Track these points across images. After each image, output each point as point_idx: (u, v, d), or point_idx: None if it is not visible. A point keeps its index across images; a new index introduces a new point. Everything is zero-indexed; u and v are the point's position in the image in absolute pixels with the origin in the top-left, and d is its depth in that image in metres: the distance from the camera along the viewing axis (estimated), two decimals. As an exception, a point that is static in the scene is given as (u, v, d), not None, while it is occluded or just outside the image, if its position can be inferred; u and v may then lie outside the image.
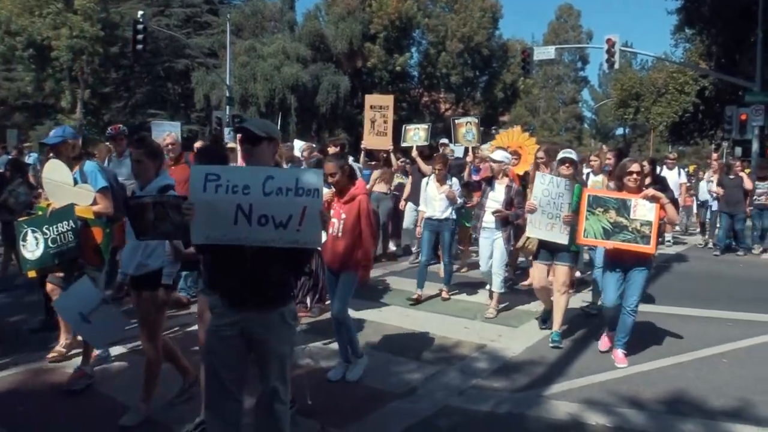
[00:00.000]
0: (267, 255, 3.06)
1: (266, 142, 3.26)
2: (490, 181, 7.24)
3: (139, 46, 22.46)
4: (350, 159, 9.75)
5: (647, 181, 10.20)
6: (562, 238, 5.92)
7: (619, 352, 5.55)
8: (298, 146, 10.18)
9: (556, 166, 6.75)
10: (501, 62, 38.81)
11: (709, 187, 13.27)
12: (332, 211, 5.09)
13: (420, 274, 7.87)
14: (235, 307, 3.15)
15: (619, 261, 5.47)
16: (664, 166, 12.80)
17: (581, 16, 65.33)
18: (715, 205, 13.09)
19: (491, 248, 7.14)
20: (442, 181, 7.81)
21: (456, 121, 10.36)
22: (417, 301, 7.65)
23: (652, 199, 5.33)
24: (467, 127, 9.92)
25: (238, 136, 3.55)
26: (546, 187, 5.98)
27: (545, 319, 6.60)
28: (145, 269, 4.23)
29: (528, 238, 6.52)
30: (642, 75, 39.85)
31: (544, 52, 27.72)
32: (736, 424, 4.35)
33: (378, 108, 9.59)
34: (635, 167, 5.47)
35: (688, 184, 14.12)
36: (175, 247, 4.09)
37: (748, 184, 12.17)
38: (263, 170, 3.08)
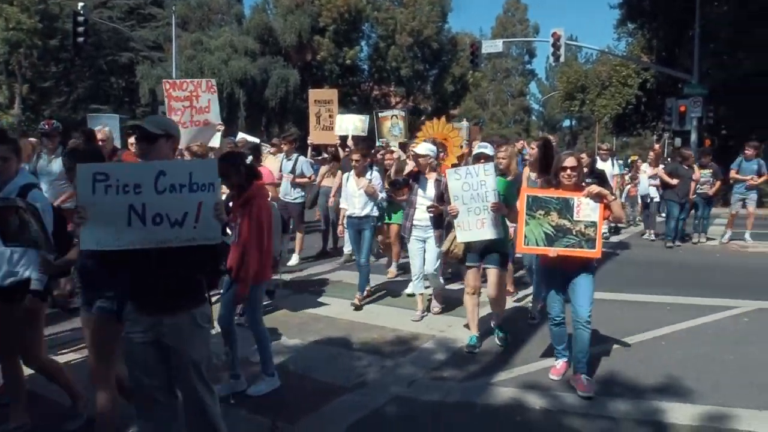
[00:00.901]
0: (172, 255, 2.92)
1: (163, 139, 3.12)
2: (417, 177, 6.70)
3: (80, 39, 21.79)
4: (296, 155, 9.69)
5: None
6: (496, 233, 5.40)
7: (582, 379, 4.71)
8: (239, 139, 10.06)
9: (516, 168, 6.58)
10: (450, 56, 39.10)
11: (651, 181, 13.19)
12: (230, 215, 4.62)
13: (362, 273, 7.39)
14: (145, 312, 3.03)
15: (560, 268, 4.78)
16: (597, 158, 12.36)
17: (528, 10, 66.40)
18: (656, 195, 13.26)
19: (423, 249, 6.68)
20: (361, 174, 7.35)
21: (380, 115, 9.93)
22: (360, 306, 7.20)
23: (596, 197, 4.64)
24: (393, 121, 9.50)
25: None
26: (464, 180, 5.41)
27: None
28: (14, 278, 3.86)
29: (452, 241, 5.88)
30: (587, 68, 40.77)
31: (492, 46, 28.05)
32: (666, 402, 4.54)
33: (323, 102, 9.43)
34: (570, 161, 4.75)
35: (630, 174, 14.12)
36: (43, 257, 3.79)
37: (697, 174, 12.03)
38: (154, 166, 2.93)
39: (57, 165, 7.02)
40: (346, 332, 6.32)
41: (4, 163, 3.85)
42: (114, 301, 3.47)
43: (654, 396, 4.66)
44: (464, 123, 30.32)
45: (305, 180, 9.58)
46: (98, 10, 32.24)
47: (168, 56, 31.34)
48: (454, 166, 7.37)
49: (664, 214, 14.63)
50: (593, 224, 4.66)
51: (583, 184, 4.87)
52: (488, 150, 5.84)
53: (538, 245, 4.75)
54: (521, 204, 4.78)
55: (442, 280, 7.09)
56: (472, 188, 5.39)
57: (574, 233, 4.67)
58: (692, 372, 5.12)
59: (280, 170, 9.43)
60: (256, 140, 10.89)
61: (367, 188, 7.20)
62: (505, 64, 66.49)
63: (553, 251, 4.68)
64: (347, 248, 9.80)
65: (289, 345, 5.91)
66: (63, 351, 5.55)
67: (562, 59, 24.43)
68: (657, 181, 12.85)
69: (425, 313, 6.80)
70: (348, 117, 10.29)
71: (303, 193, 9.69)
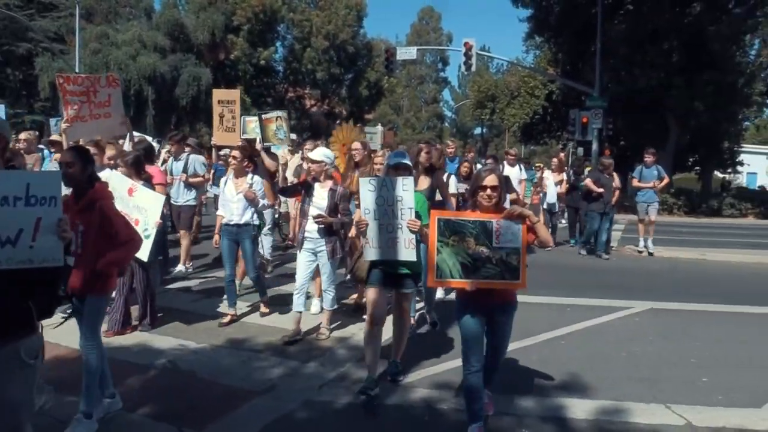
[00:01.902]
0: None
1: None
2: (309, 186, 6.13)
3: (-27, 27, 20.39)
4: (186, 153, 9.29)
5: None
6: (409, 254, 4.64)
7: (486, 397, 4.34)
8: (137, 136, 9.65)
9: (384, 172, 5.86)
10: (366, 60, 39.39)
11: (556, 188, 13.41)
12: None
13: (228, 292, 6.73)
14: None
15: (478, 303, 4.02)
16: (505, 162, 12.64)
17: (442, 18, 67.78)
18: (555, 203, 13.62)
19: (313, 262, 6.11)
20: (240, 176, 6.72)
21: (264, 117, 9.40)
22: (230, 322, 6.58)
23: (518, 218, 3.96)
24: (278, 123, 8.91)
25: None
26: (378, 193, 4.66)
27: None
28: None
29: (357, 260, 5.31)
30: (497, 78, 42.17)
31: (406, 53, 28.49)
32: (566, 398, 4.79)
33: (225, 103, 9.02)
34: (491, 180, 4.03)
35: (535, 181, 14.14)
36: None
37: (617, 182, 12.08)
38: None
39: None
40: (255, 335, 6.25)
41: None
42: None
43: (554, 393, 4.90)
44: (378, 128, 30.58)
45: (199, 179, 9.25)
46: (-7, -4, 30.29)
47: (71, 49, 29.81)
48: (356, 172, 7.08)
49: (564, 221, 15.29)
50: (516, 251, 3.96)
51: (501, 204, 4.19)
52: (406, 159, 5.09)
53: (453, 277, 3.97)
54: (432, 229, 3.99)
55: (333, 300, 6.32)
56: (386, 203, 4.63)
57: (494, 262, 3.94)
58: (589, 369, 5.41)
59: (171, 173, 9.11)
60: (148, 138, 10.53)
61: (247, 193, 6.52)
62: (419, 71, 67.57)
63: (471, 284, 3.93)
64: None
65: (196, 349, 5.78)
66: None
67: (473, 68, 25.14)
68: (562, 188, 13.30)
69: (299, 336, 6.09)
70: (253, 119, 10.01)
71: (195, 195, 9.33)
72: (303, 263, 6.11)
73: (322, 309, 6.54)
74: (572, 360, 5.64)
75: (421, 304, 6.82)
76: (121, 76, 29.99)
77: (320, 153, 6.18)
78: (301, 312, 6.16)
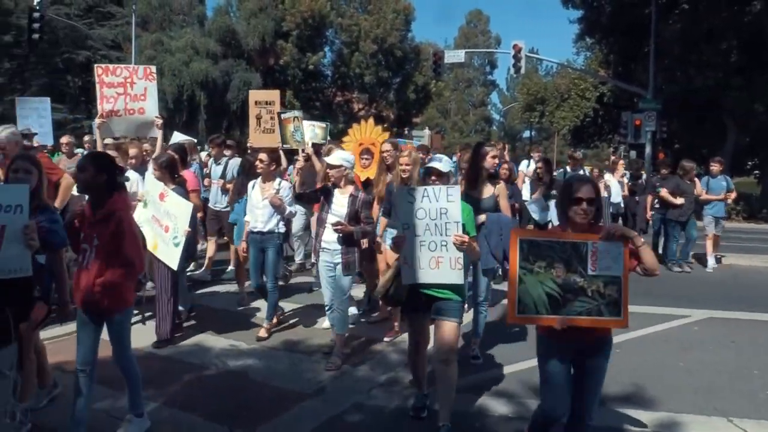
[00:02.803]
0: None
1: None
2: (328, 191, 5.65)
3: (36, 36, 21.23)
4: (226, 158, 9.04)
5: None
6: (455, 277, 4.01)
7: None
8: (177, 139, 9.56)
9: (418, 178, 5.52)
10: (413, 64, 39.32)
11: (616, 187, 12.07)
12: (82, 234, 3.87)
13: (263, 296, 6.43)
14: None
15: (567, 343, 3.34)
16: (567, 167, 11.52)
17: (490, 21, 67.33)
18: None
19: (333, 274, 5.55)
20: (268, 181, 6.34)
21: (282, 117, 8.78)
22: (267, 336, 6.21)
23: (619, 239, 3.26)
24: (295, 124, 8.06)
25: None
26: (419, 205, 4.03)
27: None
28: None
29: (392, 281, 4.40)
30: (547, 80, 41.63)
31: (454, 56, 28.40)
32: (624, 408, 4.65)
33: (264, 104, 8.65)
34: (587, 191, 3.31)
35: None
36: None
37: (699, 189, 10.79)
38: None
39: None
40: (306, 338, 6.28)
41: None
42: None
43: (611, 403, 4.75)
44: (426, 131, 30.42)
45: None
46: (55, 6, 31.38)
47: (127, 56, 30.70)
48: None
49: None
50: (615, 280, 3.25)
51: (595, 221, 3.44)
52: (442, 165, 4.43)
53: (539, 312, 3.29)
54: (512, 253, 3.32)
55: (343, 322, 5.67)
56: (429, 216, 4.02)
57: (589, 294, 3.27)
58: (647, 379, 5.25)
59: (210, 176, 8.97)
60: (193, 140, 10.19)
61: (272, 199, 6.09)
62: (467, 74, 67.27)
63: (560, 321, 3.24)
64: (298, 257, 9.41)
65: (247, 350, 5.84)
66: None
67: (522, 71, 24.85)
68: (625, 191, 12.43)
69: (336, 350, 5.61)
70: (307, 124, 9.54)
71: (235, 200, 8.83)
72: (326, 278, 5.60)
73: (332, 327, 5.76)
74: (629, 369, 5.47)
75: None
76: (175, 81, 30.80)
77: (338, 157, 5.62)
78: (342, 334, 5.65)
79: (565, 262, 3.30)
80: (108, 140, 7.49)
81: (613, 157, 13.98)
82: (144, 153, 7.51)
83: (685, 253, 10.91)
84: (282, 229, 6.33)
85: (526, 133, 61.67)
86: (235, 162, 9.00)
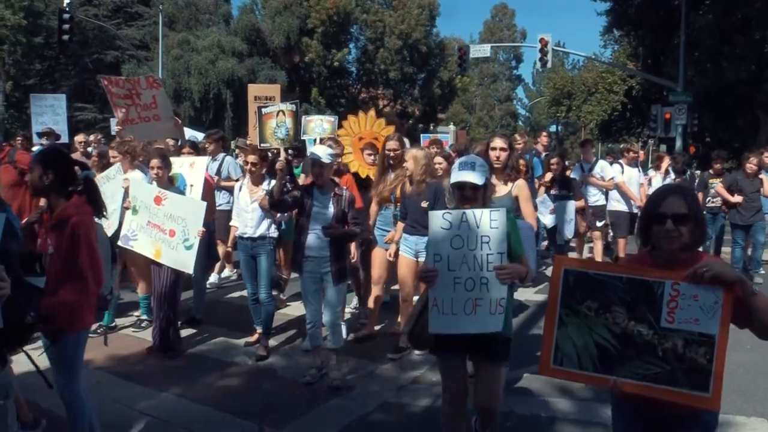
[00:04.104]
0: None
1: None
2: (310, 191, 4.98)
3: (65, 37, 21.55)
4: (223, 154, 8.44)
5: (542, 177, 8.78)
6: (495, 323, 3.12)
7: None
8: (188, 135, 9.13)
9: (449, 194, 4.63)
10: (438, 59, 39.19)
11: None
12: (39, 240, 3.49)
13: (253, 310, 5.90)
14: None
15: (641, 410, 2.52)
16: (622, 161, 9.88)
17: (515, 15, 66.70)
18: None
19: (320, 289, 4.99)
20: (257, 183, 5.83)
21: (264, 112, 8.87)
22: (256, 342, 5.80)
23: (714, 282, 2.28)
24: (278, 119, 7.31)
25: None
26: (454, 231, 3.16)
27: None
28: None
29: (418, 319, 3.46)
30: (573, 74, 41.14)
31: (479, 50, 28.21)
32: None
33: (263, 99, 8.05)
34: (678, 205, 2.41)
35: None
36: None
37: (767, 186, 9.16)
38: None
39: None
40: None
41: None
42: None
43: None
44: (451, 127, 30.23)
45: (232, 183, 7.98)
46: (84, 7, 31.91)
47: (154, 55, 31.13)
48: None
49: None
50: (705, 340, 2.31)
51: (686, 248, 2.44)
52: (476, 175, 3.30)
53: (583, 367, 2.48)
54: (554, 286, 2.57)
55: (340, 336, 5.27)
56: (467, 245, 3.13)
57: (660, 353, 2.36)
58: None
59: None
60: (198, 135, 9.73)
61: (262, 201, 5.55)
62: (492, 68, 66.74)
63: (613, 384, 2.43)
64: None
65: (275, 348, 5.86)
66: None
67: (549, 65, 24.63)
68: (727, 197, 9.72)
69: (324, 371, 5.07)
70: (315, 118, 9.15)
71: (229, 199, 8.05)
72: (310, 291, 5.00)
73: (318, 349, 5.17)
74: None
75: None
76: (201, 80, 31.10)
77: (322, 151, 5.03)
78: (319, 346, 5.13)
79: (629, 305, 2.41)
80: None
81: (659, 155, 11.69)
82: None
83: (756, 262, 9.27)
84: (275, 233, 5.83)
85: (553, 128, 61.09)
86: (230, 160, 8.65)
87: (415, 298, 5.30)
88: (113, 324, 6.28)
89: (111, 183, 6.02)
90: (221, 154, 8.58)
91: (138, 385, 4.91)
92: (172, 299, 5.63)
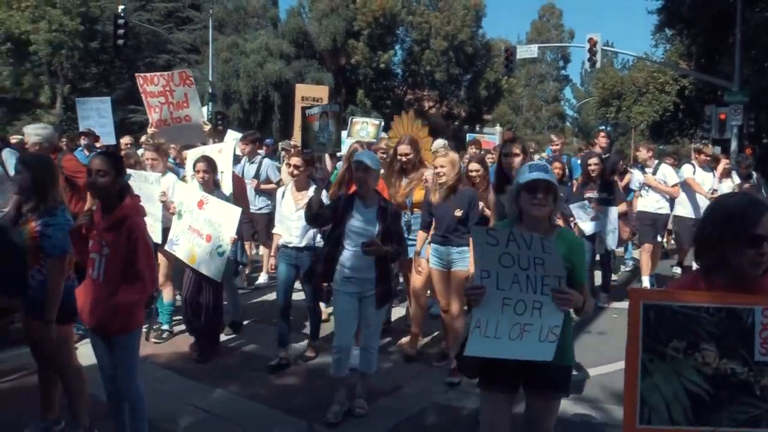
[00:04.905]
0: None
1: None
2: (350, 201, 4.45)
3: (120, 41, 22.19)
4: (260, 157, 8.29)
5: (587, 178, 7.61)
6: (545, 351, 2.76)
7: None
8: (230, 137, 9.04)
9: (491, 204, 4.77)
10: (485, 60, 38.92)
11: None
12: (90, 242, 3.52)
13: (281, 328, 5.53)
14: None
15: None
16: (692, 163, 9.00)
17: (563, 15, 65.80)
18: None
19: (356, 312, 4.43)
20: (302, 189, 5.45)
21: (353, 120, 8.50)
22: (278, 366, 5.36)
23: None
24: (321, 121, 6.93)
25: None
26: (504, 249, 2.74)
27: None
28: None
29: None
30: (623, 74, 40.27)
31: (527, 51, 27.91)
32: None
33: (311, 100, 7.95)
34: None
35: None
36: None
37: None
38: None
39: None
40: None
41: None
42: None
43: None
44: (497, 128, 29.98)
45: (271, 186, 8.06)
46: (137, 12, 32.82)
47: (205, 59, 31.78)
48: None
49: None
50: None
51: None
52: (549, 176, 2.96)
53: (674, 421, 2.13)
54: (633, 328, 2.16)
55: (375, 360, 4.63)
56: (518, 264, 2.74)
57: (756, 392, 2.09)
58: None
59: (243, 176, 8.19)
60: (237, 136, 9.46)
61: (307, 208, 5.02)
62: (539, 69, 65.95)
63: None
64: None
65: (324, 348, 5.91)
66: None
67: (598, 65, 24.20)
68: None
69: (345, 407, 4.48)
70: (358, 120, 9.05)
71: (269, 202, 8.05)
72: (345, 312, 4.43)
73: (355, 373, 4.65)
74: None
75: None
76: (249, 83, 31.61)
77: (368, 156, 4.51)
78: (344, 377, 4.51)
79: (718, 340, 2.09)
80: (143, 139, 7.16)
81: (723, 161, 10.02)
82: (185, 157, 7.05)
83: None
84: (320, 242, 5.38)
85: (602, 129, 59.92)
86: (269, 163, 8.49)
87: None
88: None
89: (148, 186, 5.89)
90: (258, 156, 8.45)
91: (192, 381, 5.04)
92: (217, 307, 5.66)
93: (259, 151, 8.84)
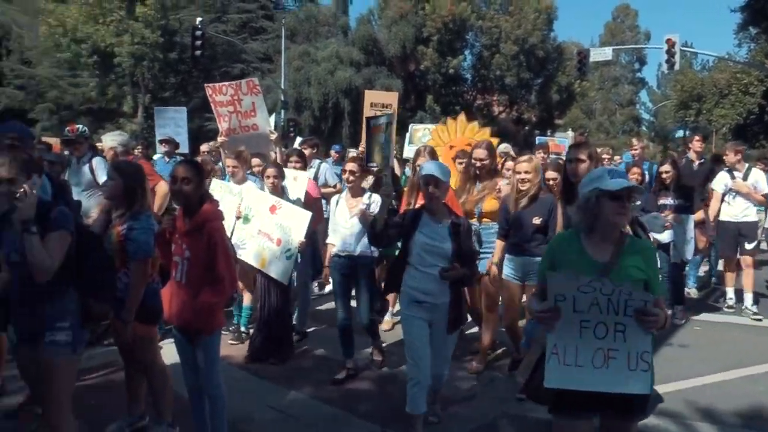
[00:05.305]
0: None
1: None
2: (417, 216, 4.10)
3: (198, 52, 23.05)
4: (318, 161, 8.11)
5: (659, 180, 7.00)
6: (636, 383, 2.59)
7: None
8: (298, 143, 9.13)
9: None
10: (556, 64, 38.21)
11: None
12: (173, 246, 3.67)
13: (343, 341, 5.31)
14: None
15: None
16: None
17: (638, 15, 63.80)
18: None
19: (429, 335, 4.05)
20: (357, 195, 5.31)
21: (413, 127, 8.37)
22: (346, 378, 5.23)
23: None
24: (387, 132, 6.93)
25: None
26: (579, 288, 2.56)
27: None
28: None
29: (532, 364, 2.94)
30: (703, 76, 38.75)
31: (600, 54, 27.21)
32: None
33: (380, 107, 7.82)
34: None
35: None
36: None
37: None
38: None
39: (85, 173, 6.56)
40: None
41: None
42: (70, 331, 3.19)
43: None
44: (569, 133, 29.42)
45: (330, 190, 7.90)
46: (213, 24, 33.92)
47: (277, 67, 32.56)
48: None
49: None
50: None
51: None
52: (623, 180, 2.80)
53: None
54: None
55: (444, 379, 4.44)
56: (600, 291, 2.56)
57: None
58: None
59: None
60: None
61: (361, 215, 4.85)
62: (613, 72, 64.15)
63: None
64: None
65: (397, 353, 5.91)
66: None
67: (677, 67, 23.32)
68: None
69: None
70: (422, 127, 8.83)
71: (325, 207, 7.70)
72: (419, 338, 4.03)
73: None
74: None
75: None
76: (320, 90, 32.15)
77: (436, 168, 4.10)
78: (422, 414, 4.08)
79: None
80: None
81: None
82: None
83: None
84: (375, 252, 5.28)
85: (680, 133, 57.78)
86: (327, 166, 8.47)
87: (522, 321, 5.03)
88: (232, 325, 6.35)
89: (230, 197, 6.03)
90: (316, 161, 8.36)
91: (268, 382, 5.16)
92: (284, 310, 5.73)
93: (317, 158, 8.73)
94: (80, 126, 7.03)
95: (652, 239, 6.40)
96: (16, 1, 34.73)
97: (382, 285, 4.81)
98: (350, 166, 5.30)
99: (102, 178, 6.19)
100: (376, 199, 5.24)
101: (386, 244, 4.54)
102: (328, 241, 5.52)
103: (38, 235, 2.97)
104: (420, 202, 4.33)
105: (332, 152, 10.92)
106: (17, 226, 2.97)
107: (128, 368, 4.19)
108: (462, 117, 6.53)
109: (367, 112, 7.86)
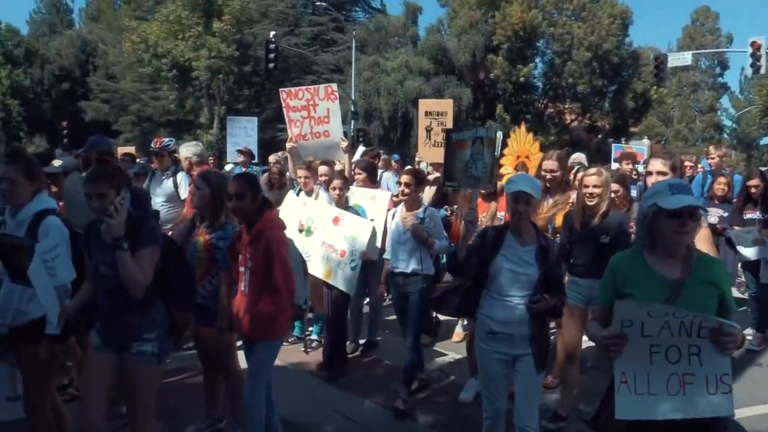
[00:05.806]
0: None
1: None
2: (500, 236, 3.60)
3: (271, 65, 23.67)
4: (381, 170, 8.14)
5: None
6: (717, 406, 2.43)
7: None
8: (360, 152, 9.24)
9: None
10: (631, 70, 37.14)
11: None
12: (239, 256, 3.74)
13: (407, 372, 4.97)
14: None
15: None
16: None
17: (719, 18, 61.25)
18: None
19: (507, 370, 3.62)
20: (412, 209, 4.99)
21: (455, 139, 8.09)
22: (416, 390, 5.14)
23: None
24: (475, 149, 5.60)
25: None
26: (654, 318, 2.39)
27: None
28: (24, 318, 3.39)
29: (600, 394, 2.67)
30: (791, 79, 36.74)
31: (679, 59, 26.28)
32: None
33: (435, 115, 7.74)
34: None
35: None
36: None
37: None
38: None
39: (168, 185, 6.72)
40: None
41: (9, 186, 3.38)
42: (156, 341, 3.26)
43: None
44: (645, 141, 28.55)
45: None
46: (286, 37, 34.78)
47: (347, 78, 33.02)
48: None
49: None
50: None
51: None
52: (695, 199, 2.69)
53: None
54: None
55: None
56: (672, 314, 2.42)
57: None
58: None
59: None
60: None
61: (416, 229, 4.69)
62: (692, 77, 61.79)
63: None
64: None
65: (463, 362, 5.84)
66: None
67: (762, 71, 22.21)
68: None
69: None
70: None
71: None
72: (496, 375, 3.62)
73: None
74: None
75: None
76: (390, 100, 32.39)
77: (526, 182, 3.59)
78: None
79: None
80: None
81: None
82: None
83: None
84: (430, 270, 4.96)
85: (765, 140, 54.93)
86: (388, 176, 8.39)
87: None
88: (305, 334, 6.40)
89: (300, 207, 6.06)
90: (378, 171, 8.23)
91: (341, 391, 5.22)
92: (341, 322, 5.71)
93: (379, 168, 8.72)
94: (166, 139, 7.22)
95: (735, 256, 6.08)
96: (102, 20, 36.65)
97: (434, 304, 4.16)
98: (405, 178, 5.03)
99: (185, 194, 6.42)
100: (432, 213, 4.99)
101: (465, 275, 3.78)
102: (385, 256, 5.38)
103: (129, 251, 3.05)
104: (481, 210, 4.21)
105: (392, 162, 10.89)
106: (108, 242, 3.05)
107: (208, 373, 4.32)
108: (523, 129, 6.13)
109: (423, 120, 7.81)
